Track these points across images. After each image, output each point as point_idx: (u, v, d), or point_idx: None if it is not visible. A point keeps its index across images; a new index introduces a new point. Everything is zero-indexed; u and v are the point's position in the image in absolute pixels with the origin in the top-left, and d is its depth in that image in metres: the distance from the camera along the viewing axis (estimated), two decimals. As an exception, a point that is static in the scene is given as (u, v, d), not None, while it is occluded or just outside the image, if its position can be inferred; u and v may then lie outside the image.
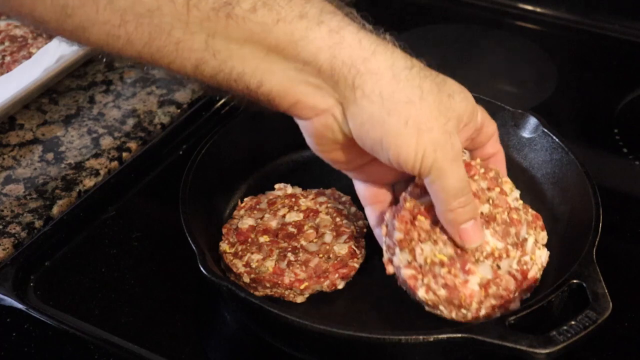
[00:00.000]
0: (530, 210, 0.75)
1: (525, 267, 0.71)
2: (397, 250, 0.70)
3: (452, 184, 0.66)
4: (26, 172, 0.90)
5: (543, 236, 0.74)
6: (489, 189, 0.73)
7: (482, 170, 0.74)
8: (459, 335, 0.64)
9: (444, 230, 0.70)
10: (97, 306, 0.77)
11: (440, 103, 0.64)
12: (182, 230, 0.73)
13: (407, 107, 0.62)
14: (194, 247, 0.71)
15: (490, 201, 0.73)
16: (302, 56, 0.61)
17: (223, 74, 0.62)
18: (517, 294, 0.71)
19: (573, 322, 0.63)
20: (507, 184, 0.75)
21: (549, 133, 0.83)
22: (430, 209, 0.70)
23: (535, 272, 0.72)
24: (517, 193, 0.75)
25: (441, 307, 0.69)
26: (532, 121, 0.84)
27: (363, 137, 0.65)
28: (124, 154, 0.92)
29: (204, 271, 0.69)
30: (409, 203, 0.71)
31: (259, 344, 0.74)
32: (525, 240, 0.73)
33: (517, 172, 0.86)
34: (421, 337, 0.64)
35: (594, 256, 0.69)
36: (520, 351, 0.62)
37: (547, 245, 0.77)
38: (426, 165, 0.64)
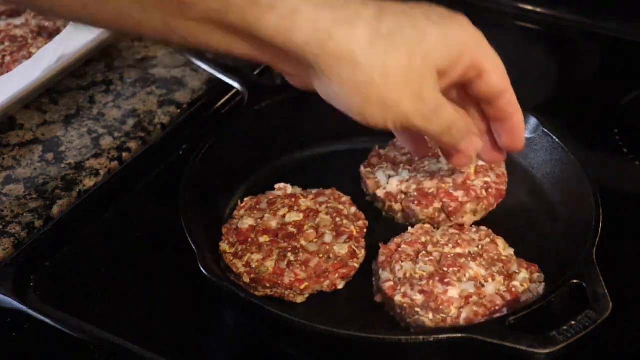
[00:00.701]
0: (525, 262, 0.76)
1: (514, 289, 0.73)
2: (380, 271, 0.75)
3: (433, 131, 0.67)
4: (26, 172, 0.90)
5: (539, 276, 0.75)
6: (479, 239, 0.78)
7: (474, 229, 0.79)
8: (459, 335, 0.64)
9: (426, 256, 0.75)
10: (97, 306, 0.77)
11: (410, 70, 0.63)
12: (182, 230, 0.73)
13: (367, 87, 0.63)
14: (194, 247, 0.71)
15: (480, 247, 0.77)
16: (260, 38, 0.62)
17: (191, 44, 0.63)
18: (505, 309, 0.71)
19: (573, 322, 0.63)
20: (500, 239, 0.78)
21: (549, 133, 0.83)
22: (415, 242, 0.77)
23: (527, 297, 0.72)
24: (510, 251, 0.78)
25: (417, 310, 0.71)
26: (532, 121, 0.84)
27: (331, 103, 0.66)
28: (124, 154, 0.92)
29: (204, 271, 0.69)
30: (397, 239, 0.78)
31: (259, 344, 0.74)
32: (515, 273, 0.74)
33: (517, 172, 0.86)
34: (421, 337, 0.64)
35: (594, 256, 0.69)
36: (521, 351, 0.62)
37: (548, 245, 0.77)
38: (399, 128, 0.66)
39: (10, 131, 0.95)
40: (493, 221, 0.83)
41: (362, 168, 0.86)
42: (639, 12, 1.10)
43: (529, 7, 1.16)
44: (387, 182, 0.84)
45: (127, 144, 0.93)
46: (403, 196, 0.83)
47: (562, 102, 1.01)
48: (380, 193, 0.84)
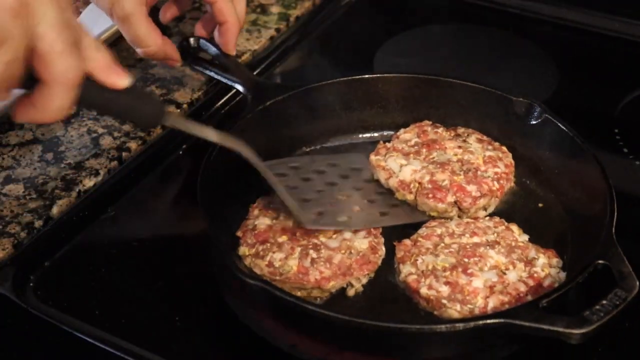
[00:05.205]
0: (542, 248, 0.77)
1: (536, 275, 0.73)
2: (401, 266, 0.75)
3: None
4: (26, 172, 0.89)
5: (557, 261, 0.76)
6: (495, 226, 0.78)
7: (491, 222, 0.80)
8: (496, 320, 0.63)
9: (445, 248, 0.75)
10: (97, 306, 0.76)
11: None
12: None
13: None
14: (220, 250, 0.70)
15: (495, 234, 0.77)
16: None
17: None
18: (529, 296, 0.71)
19: (604, 302, 0.63)
20: (514, 226, 0.79)
21: (553, 119, 0.84)
22: (431, 235, 0.77)
23: (550, 282, 0.73)
24: (525, 237, 0.78)
25: (444, 302, 0.71)
26: (536, 108, 0.85)
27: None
28: (124, 154, 0.91)
29: (237, 273, 0.68)
30: (412, 237, 0.78)
31: (259, 344, 0.72)
32: (534, 259, 0.75)
33: (523, 160, 0.86)
34: (461, 325, 0.64)
35: (614, 237, 0.69)
36: (557, 333, 0.62)
37: (559, 231, 0.78)
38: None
39: (10, 131, 0.94)
40: (503, 210, 0.83)
41: (372, 156, 0.86)
42: (639, 12, 1.11)
43: (529, 7, 1.17)
44: (400, 170, 0.83)
45: (127, 144, 0.92)
46: (417, 185, 0.82)
47: (563, 102, 1.01)
48: (393, 182, 0.83)
